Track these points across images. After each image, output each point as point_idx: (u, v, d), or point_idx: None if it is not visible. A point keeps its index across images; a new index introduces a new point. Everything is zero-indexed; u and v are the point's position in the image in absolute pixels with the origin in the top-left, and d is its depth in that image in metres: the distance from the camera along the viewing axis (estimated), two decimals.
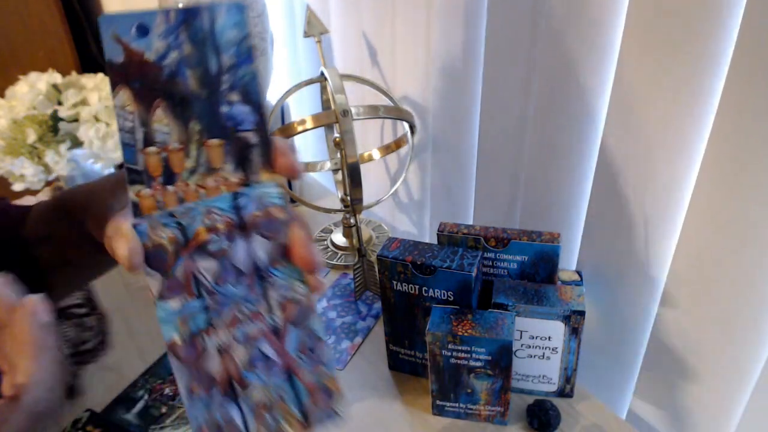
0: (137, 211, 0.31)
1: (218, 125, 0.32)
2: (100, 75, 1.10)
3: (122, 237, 0.31)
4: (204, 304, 0.32)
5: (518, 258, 0.62)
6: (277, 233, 0.33)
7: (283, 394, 0.34)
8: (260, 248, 0.33)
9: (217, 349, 0.33)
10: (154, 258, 0.31)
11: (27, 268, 0.44)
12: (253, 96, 0.32)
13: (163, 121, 0.31)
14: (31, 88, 1.05)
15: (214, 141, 0.32)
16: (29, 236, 0.47)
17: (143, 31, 0.30)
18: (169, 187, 0.32)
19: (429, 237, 0.95)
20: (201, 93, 0.32)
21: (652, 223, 0.60)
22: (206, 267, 0.32)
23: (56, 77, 1.09)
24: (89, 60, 1.84)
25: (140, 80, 0.30)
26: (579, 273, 0.64)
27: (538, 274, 0.63)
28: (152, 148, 0.31)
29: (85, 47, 1.84)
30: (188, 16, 0.31)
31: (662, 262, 0.60)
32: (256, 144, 0.32)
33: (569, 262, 0.72)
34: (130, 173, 0.31)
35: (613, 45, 0.57)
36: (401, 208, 0.98)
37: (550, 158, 0.68)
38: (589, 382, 0.68)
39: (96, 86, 1.06)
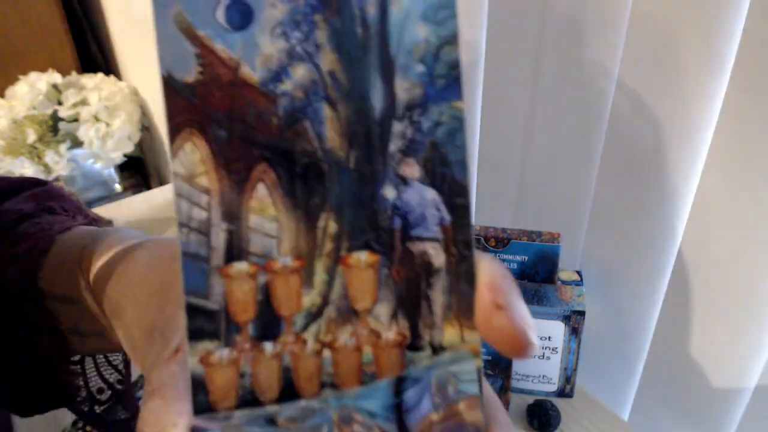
0: (202, 395, 0.16)
1: (375, 224, 0.17)
2: (100, 75, 1.10)
3: None
4: None
5: (518, 258, 0.62)
6: None
7: None
8: None
9: None
10: None
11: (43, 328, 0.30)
12: (451, 170, 0.16)
13: (267, 212, 0.16)
14: (31, 88, 1.05)
15: (365, 256, 0.17)
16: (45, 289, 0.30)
17: (243, 15, 0.15)
18: (268, 346, 0.17)
19: None
20: (350, 157, 0.16)
21: (654, 222, 0.60)
22: None
23: (56, 77, 1.10)
24: (89, 60, 1.84)
25: (230, 124, 0.16)
26: (579, 273, 0.64)
27: (538, 274, 0.63)
28: (242, 266, 0.16)
29: (85, 47, 1.85)
30: None
31: (665, 262, 0.60)
32: (442, 269, 0.17)
33: (570, 262, 0.72)
34: (192, 315, 0.16)
35: (616, 43, 0.57)
36: None
37: (551, 157, 0.68)
38: (590, 383, 0.68)
39: (96, 86, 1.07)
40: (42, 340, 0.30)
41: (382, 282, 0.17)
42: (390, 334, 0.17)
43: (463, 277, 0.17)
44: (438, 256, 0.17)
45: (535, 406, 0.60)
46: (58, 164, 1.33)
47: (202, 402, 0.16)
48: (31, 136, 1.05)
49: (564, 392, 0.63)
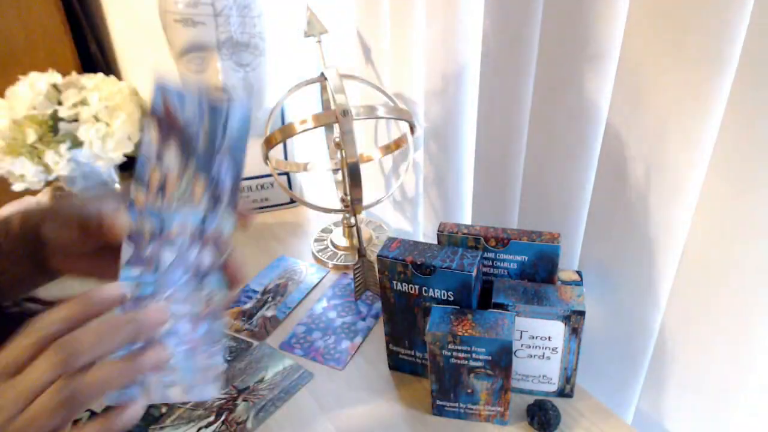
0: (132, 205, 0.41)
1: (207, 175, 0.43)
2: (100, 75, 1.09)
3: (121, 216, 0.42)
4: (155, 279, 0.41)
5: (518, 258, 0.62)
6: (222, 252, 0.44)
7: (179, 365, 0.42)
8: (207, 257, 0.44)
9: None
10: (135, 236, 0.41)
11: None
12: (235, 169, 0.44)
13: (171, 155, 0.41)
14: (31, 88, 1.05)
15: (201, 181, 0.43)
16: None
17: (182, 102, 0.40)
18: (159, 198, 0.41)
19: (426, 237, 0.95)
20: (204, 150, 0.42)
21: (656, 222, 0.60)
22: (167, 256, 0.42)
23: (56, 77, 1.09)
24: (89, 60, 1.84)
25: (168, 127, 0.40)
26: (579, 273, 0.64)
27: (538, 274, 0.63)
28: (158, 168, 0.41)
29: (85, 47, 1.84)
30: (214, 105, 0.41)
31: (667, 262, 0.60)
32: (227, 198, 0.44)
33: (570, 262, 0.72)
34: (137, 179, 0.41)
35: (615, 42, 0.57)
36: (400, 207, 0.98)
37: (550, 157, 0.68)
38: (590, 383, 0.68)
39: (96, 86, 1.06)
40: None
41: (205, 193, 0.44)
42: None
43: (233, 199, 0.45)
44: (227, 194, 0.45)
45: (535, 406, 0.60)
46: (58, 164, 1.33)
47: (132, 207, 0.41)
48: (31, 136, 1.05)
49: (564, 392, 0.63)
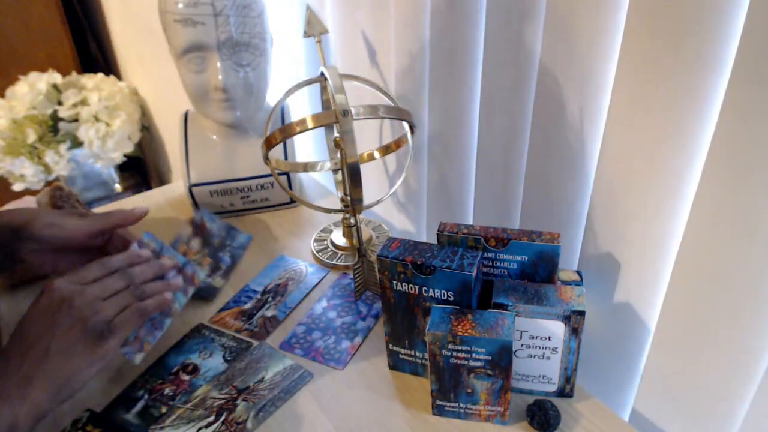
0: (163, 248, 0.70)
1: (213, 258, 0.82)
2: (100, 75, 1.10)
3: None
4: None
5: (518, 258, 0.62)
6: (188, 284, 0.71)
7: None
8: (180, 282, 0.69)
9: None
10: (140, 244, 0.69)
11: None
12: (233, 259, 0.83)
13: (196, 242, 0.81)
14: (31, 88, 1.05)
15: (208, 259, 0.81)
16: None
17: (212, 221, 0.85)
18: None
19: (426, 236, 0.95)
20: (216, 247, 0.81)
21: (654, 221, 0.60)
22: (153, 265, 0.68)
23: (56, 77, 1.09)
24: (89, 60, 1.84)
25: (199, 231, 0.78)
26: (579, 273, 0.64)
27: (538, 274, 0.63)
28: (186, 246, 0.80)
29: (85, 47, 1.84)
30: (231, 228, 0.84)
31: (665, 261, 0.60)
32: (224, 269, 0.83)
33: (570, 262, 0.72)
34: (171, 246, 0.71)
35: (614, 41, 0.57)
36: (400, 207, 0.98)
37: (550, 157, 0.68)
38: (590, 383, 0.68)
39: (96, 86, 1.07)
40: None
41: (207, 258, 0.87)
42: (196, 256, 0.84)
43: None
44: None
45: (535, 406, 0.60)
46: (58, 164, 1.33)
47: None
48: (31, 136, 1.05)
49: (564, 392, 0.63)
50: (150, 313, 0.62)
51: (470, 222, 0.86)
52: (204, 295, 0.79)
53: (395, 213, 1.00)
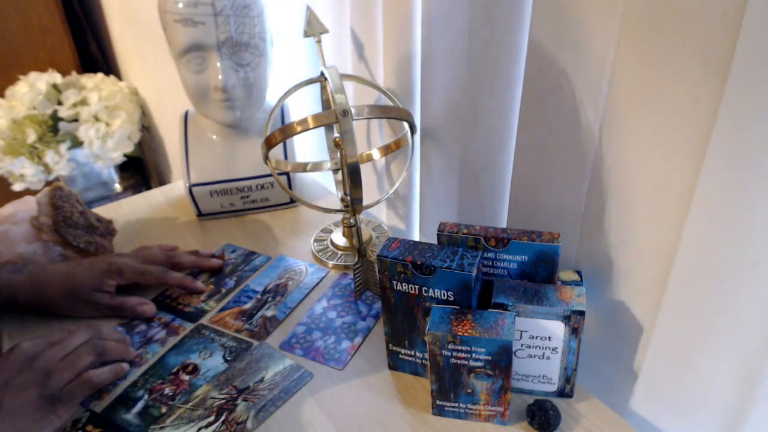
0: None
1: (218, 281, 0.84)
2: (100, 75, 1.10)
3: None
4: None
5: (518, 258, 0.62)
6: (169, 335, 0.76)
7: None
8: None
9: None
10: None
11: None
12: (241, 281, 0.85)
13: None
14: (31, 88, 1.05)
15: (209, 287, 0.83)
16: None
17: (230, 251, 0.90)
18: None
19: (416, 235, 0.95)
20: (229, 272, 0.86)
21: (653, 220, 0.60)
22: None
23: (56, 77, 1.09)
24: (89, 60, 1.83)
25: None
26: (579, 273, 0.64)
27: (538, 274, 0.63)
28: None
29: (85, 47, 1.84)
30: (248, 253, 0.88)
31: (665, 261, 0.60)
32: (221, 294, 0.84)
33: (569, 262, 0.72)
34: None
35: (609, 39, 0.57)
36: (400, 207, 0.98)
37: (546, 157, 0.68)
38: (590, 383, 0.68)
39: (96, 86, 1.06)
40: None
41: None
42: None
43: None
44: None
45: (535, 406, 0.60)
46: (58, 164, 1.33)
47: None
48: (31, 136, 1.05)
49: (564, 392, 0.63)
50: (100, 386, 0.64)
51: (458, 219, 0.86)
52: (191, 318, 0.78)
53: (394, 212, 1.00)
